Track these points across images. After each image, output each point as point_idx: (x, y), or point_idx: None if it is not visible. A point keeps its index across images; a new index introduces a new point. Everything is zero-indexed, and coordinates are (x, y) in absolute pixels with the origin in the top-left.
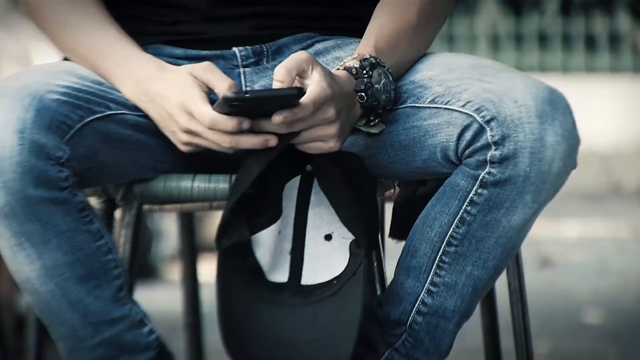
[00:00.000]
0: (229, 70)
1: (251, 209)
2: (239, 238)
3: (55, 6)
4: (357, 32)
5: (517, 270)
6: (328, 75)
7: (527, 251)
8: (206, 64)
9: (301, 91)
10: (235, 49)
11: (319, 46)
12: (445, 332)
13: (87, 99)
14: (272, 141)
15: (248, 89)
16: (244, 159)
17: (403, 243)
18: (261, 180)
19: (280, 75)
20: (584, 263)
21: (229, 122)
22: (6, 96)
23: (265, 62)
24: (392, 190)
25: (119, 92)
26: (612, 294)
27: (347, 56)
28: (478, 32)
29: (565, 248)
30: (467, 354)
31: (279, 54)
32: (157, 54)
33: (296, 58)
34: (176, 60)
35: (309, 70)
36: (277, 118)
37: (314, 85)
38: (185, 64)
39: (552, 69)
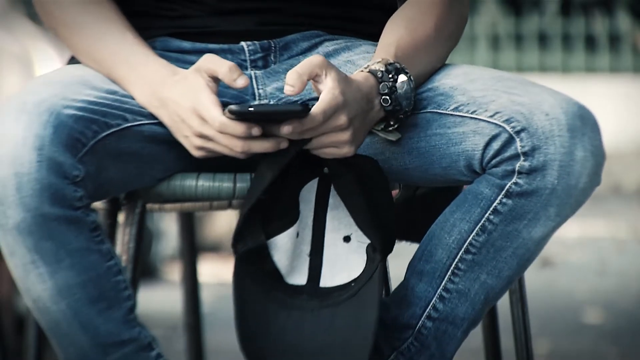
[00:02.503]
0: (239, 65)
1: (266, 213)
2: (255, 243)
3: (71, 8)
4: (364, 34)
5: None
6: (342, 80)
7: None
8: (206, 55)
9: (306, 108)
10: (243, 43)
11: (328, 45)
12: (453, 338)
13: (103, 112)
14: (284, 143)
15: (254, 103)
16: (258, 164)
17: (403, 243)
18: (276, 186)
19: (291, 80)
20: (584, 263)
21: (238, 127)
22: (24, 112)
23: (273, 59)
24: (396, 191)
25: (133, 98)
26: (612, 294)
27: (358, 58)
28: (478, 32)
29: (565, 248)
30: (467, 354)
31: (286, 50)
32: (165, 47)
33: (309, 62)
34: (184, 55)
35: (323, 75)
36: (286, 128)
37: (325, 93)
38: (193, 57)
39: (552, 69)
